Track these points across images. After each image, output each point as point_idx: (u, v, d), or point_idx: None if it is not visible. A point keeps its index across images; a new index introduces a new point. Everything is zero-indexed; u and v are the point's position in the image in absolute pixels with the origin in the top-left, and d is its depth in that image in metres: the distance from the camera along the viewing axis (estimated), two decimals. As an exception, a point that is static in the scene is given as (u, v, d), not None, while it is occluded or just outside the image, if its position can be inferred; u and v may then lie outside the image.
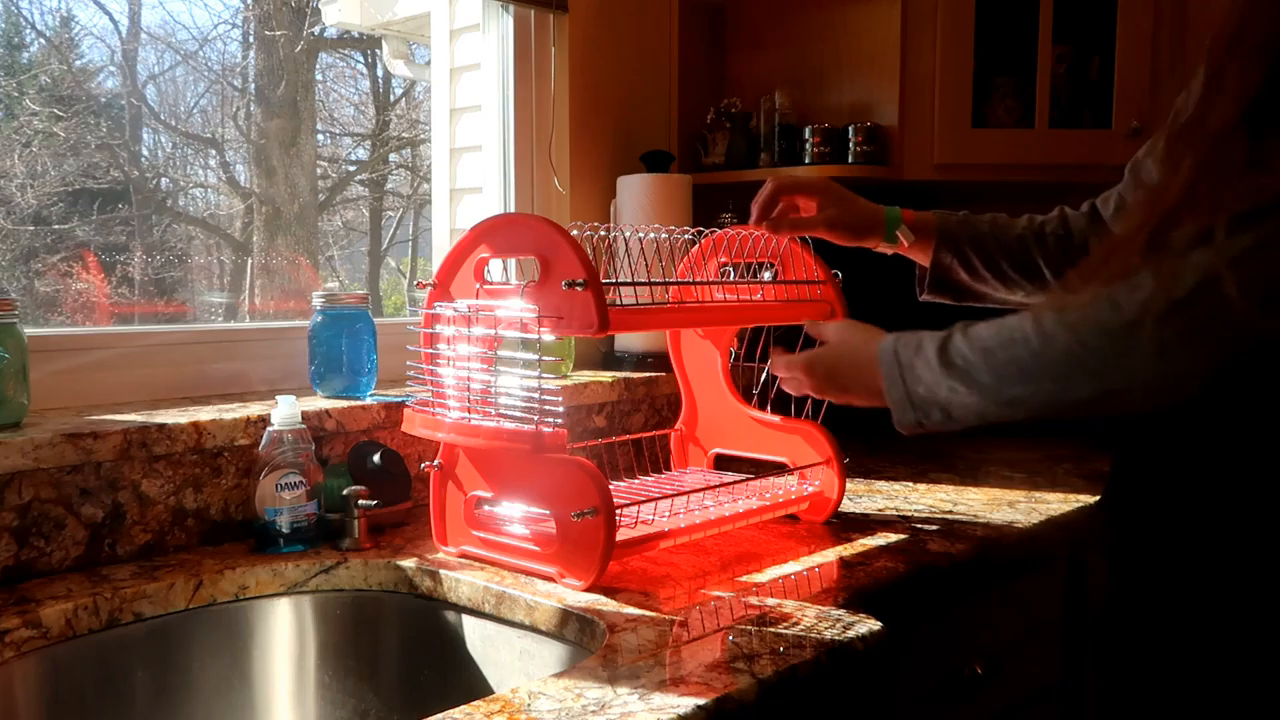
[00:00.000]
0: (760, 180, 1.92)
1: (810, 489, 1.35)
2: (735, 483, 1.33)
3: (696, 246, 1.37)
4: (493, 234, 1.15)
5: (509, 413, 1.13)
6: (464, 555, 1.19)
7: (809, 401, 1.36)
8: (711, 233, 1.33)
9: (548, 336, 1.09)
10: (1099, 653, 1.02)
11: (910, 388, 0.96)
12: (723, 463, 1.49)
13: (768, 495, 1.34)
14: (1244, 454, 0.88)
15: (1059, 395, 0.85)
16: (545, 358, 1.09)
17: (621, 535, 1.13)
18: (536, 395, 1.09)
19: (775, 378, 1.40)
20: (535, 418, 1.09)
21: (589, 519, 1.05)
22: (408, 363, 1.23)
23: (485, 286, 1.15)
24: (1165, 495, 0.94)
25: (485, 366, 1.15)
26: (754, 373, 1.43)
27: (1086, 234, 1.22)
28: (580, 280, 1.04)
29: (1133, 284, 0.79)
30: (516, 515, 1.18)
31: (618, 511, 1.08)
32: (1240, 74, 0.80)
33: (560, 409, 1.10)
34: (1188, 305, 0.76)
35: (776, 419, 1.39)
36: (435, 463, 1.21)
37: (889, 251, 1.30)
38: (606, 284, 1.19)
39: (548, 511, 1.12)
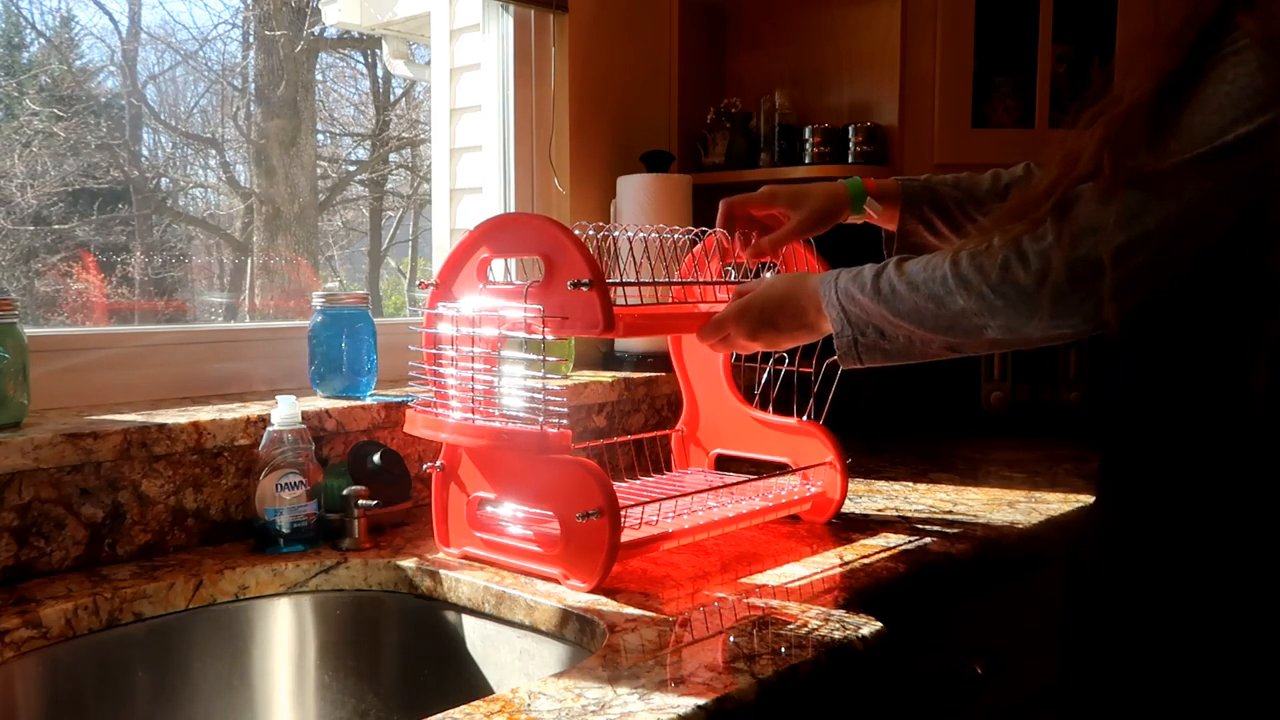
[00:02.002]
0: (760, 180, 1.93)
1: (813, 489, 1.35)
2: (738, 483, 1.33)
3: (700, 245, 1.37)
4: (496, 234, 1.15)
5: (513, 413, 1.13)
6: (466, 556, 1.19)
7: (811, 401, 1.36)
8: (714, 232, 1.33)
9: (552, 337, 1.09)
10: (1090, 652, 1.03)
11: (846, 307, 1.05)
12: (724, 463, 1.49)
13: (770, 496, 1.34)
14: (1232, 455, 0.88)
15: (970, 331, 0.96)
16: (549, 358, 1.09)
17: (624, 536, 1.12)
18: (541, 395, 1.09)
19: (777, 376, 1.41)
20: (540, 418, 1.09)
21: (593, 520, 1.05)
22: (410, 363, 1.23)
23: (488, 286, 1.15)
24: (1151, 495, 0.94)
25: (488, 367, 1.15)
26: (755, 373, 1.43)
27: None
28: (586, 280, 1.04)
29: (1037, 235, 0.90)
30: (520, 516, 1.18)
31: (622, 513, 1.08)
32: (1155, 56, 0.87)
33: (565, 409, 1.10)
34: (1081, 264, 0.87)
35: (778, 419, 1.39)
36: (437, 464, 1.21)
37: (859, 221, 1.32)
38: (610, 284, 1.19)
39: (551, 513, 1.12)
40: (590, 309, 1.05)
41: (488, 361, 1.15)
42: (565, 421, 1.09)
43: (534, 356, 1.10)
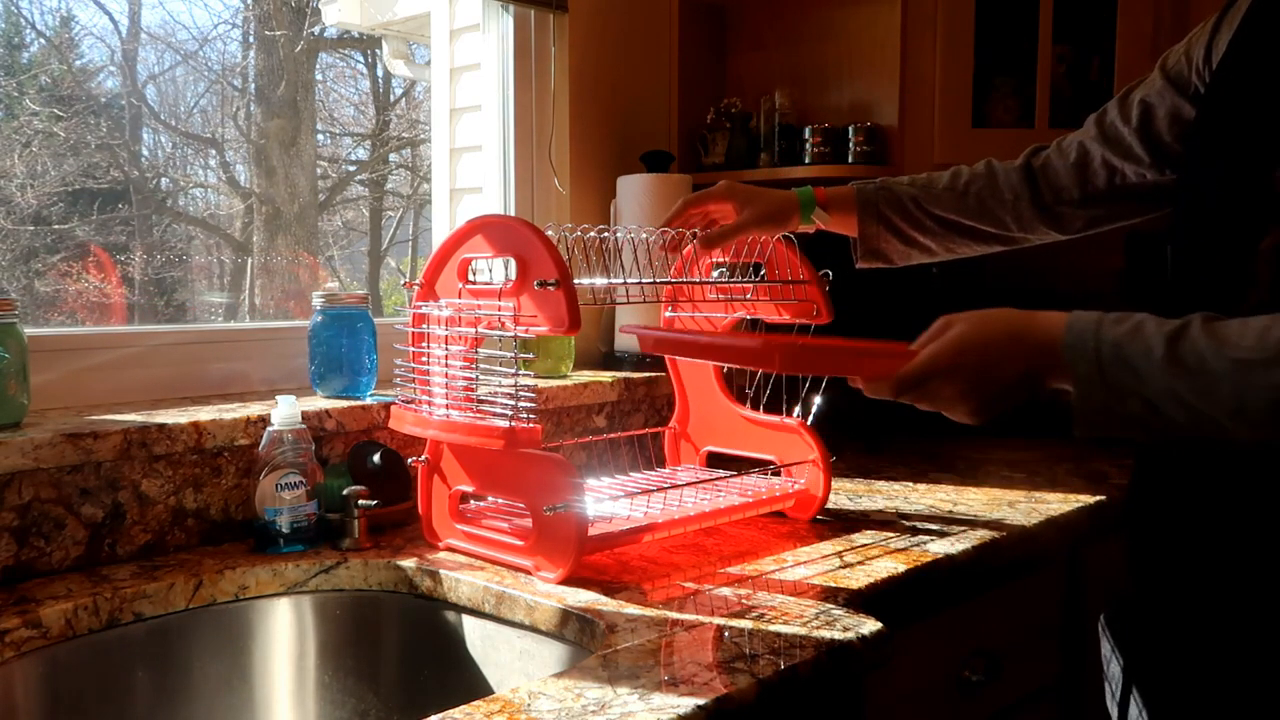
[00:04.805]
0: (760, 180, 1.93)
1: (796, 487, 1.36)
2: (718, 479, 1.36)
3: (684, 247, 1.38)
4: (474, 235, 1.17)
5: (487, 409, 1.15)
6: (449, 549, 1.22)
7: (799, 401, 1.37)
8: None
9: (524, 335, 1.11)
10: (1123, 645, 1.02)
11: (1108, 368, 0.80)
12: (716, 461, 1.49)
13: (750, 492, 1.35)
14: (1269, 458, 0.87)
15: None
16: (523, 355, 1.11)
17: (602, 529, 1.16)
18: (512, 392, 1.11)
19: (770, 378, 1.41)
20: (510, 414, 1.11)
21: (561, 513, 1.08)
22: (396, 360, 1.25)
23: (468, 286, 1.17)
24: (1191, 489, 0.94)
25: (466, 364, 1.17)
26: (749, 373, 1.43)
27: (1019, 189, 1.24)
28: (553, 280, 1.06)
29: None
30: (499, 510, 1.23)
31: (592, 505, 1.10)
32: None
33: (534, 405, 1.13)
34: None
35: (764, 418, 1.40)
36: (422, 458, 1.23)
37: (811, 231, 1.32)
38: (599, 283, 1.21)
39: (524, 505, 1.15)
40: (557, 308, 1.07)
41: (466, 360, 1.17)
42: (534, 417, 1.11)
43: (506, 354, 1.12)
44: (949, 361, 0.90)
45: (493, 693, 1.00)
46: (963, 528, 1.31)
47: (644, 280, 1.24)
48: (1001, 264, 1.50)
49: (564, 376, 1.67)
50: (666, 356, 1.51)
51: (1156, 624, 0.98)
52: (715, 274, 1.40)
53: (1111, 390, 0.80)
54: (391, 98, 5.18)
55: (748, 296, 1.38)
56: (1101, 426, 0.82)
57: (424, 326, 1.21)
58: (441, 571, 1.15)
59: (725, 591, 1.08)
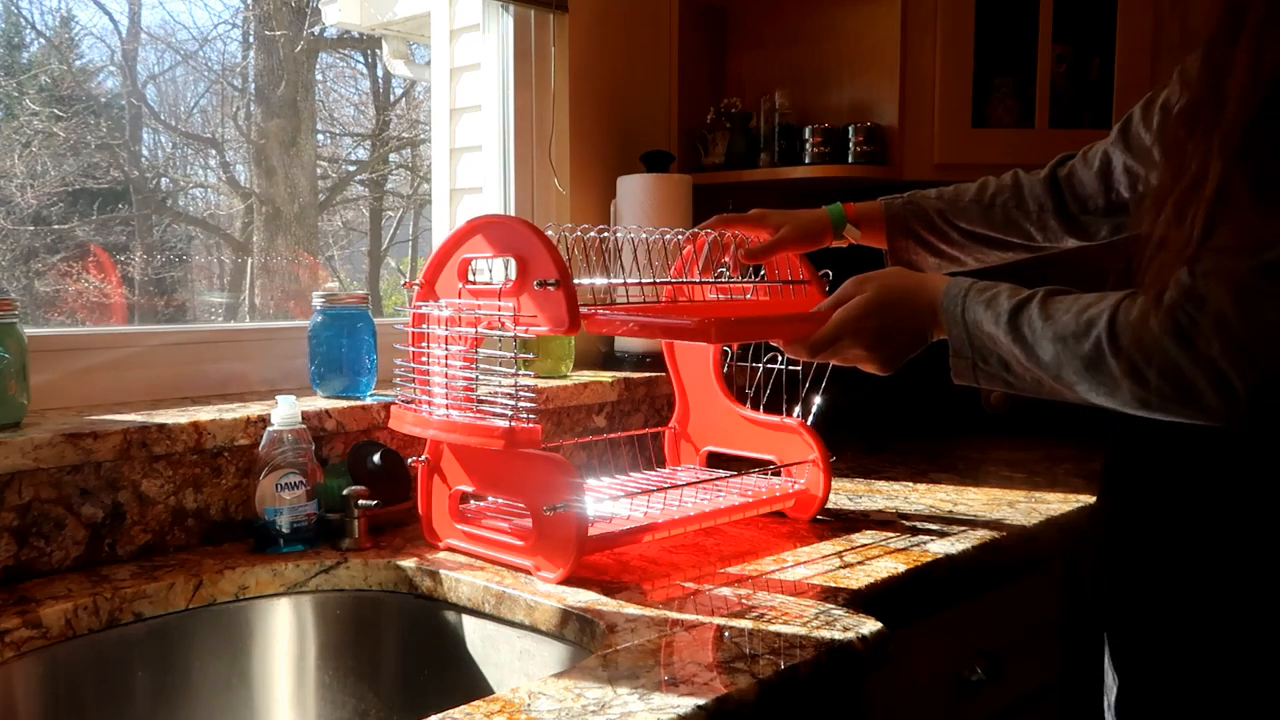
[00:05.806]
0: (760, 180, 1.94)
1: (796, 487, 1.36)
2: (718, 479, 1.36)
3: (689, 247, 1.38)
4: (475, 235, 1.17)
5: (487, 409, 1.15)
6: (449, 549, 1.22)
7: (799, 401, 1.37)
8: (708, 234, 1.33)
9: (523, 335, 1.11)
10: (1110, 650, 1.02)
11: (972, 332, 0.96)
12: (716, 461, 1.49)
13: (750, 492, 1.35)
14: (1238, 448, 0.88)
15: (1124, 402, 0.86)
16: (523, 355, 1.11)
17: (601, 529, 1.16)
18: (512, 392, 1.11)
19: (770, 375, 1.41)
20: (510, 414, 1.11)
21: (561, 513, 1.08)
22: (396, 360, 1.25)
23: (468, 286, 1.17)
24: (1157, 490, 0.94)
25: (466, 364, 1.18)
26: (749, 373, 1.43)
27: (1044, 200, 1.26)
28: (553, 280, 1.07)
29: (1194, 304, 0.77)
30: (499, 510, 1.23)
31: (592, 505, 1.10)
32: (1257, 51, 0.76)
33: (534, 405, 1.13)
34: (1254, 339, 0.76)
35: (764, 418, 1.40)
36: (422, 458, 1.23)
37: (843, 244, 1.36)
38: (599, 283, 1.21)
39: (524, 505, 1.15)
40: (557, 308, 1.07)
41: (466, 360, 1.17)
42: (535, 417, 1.11)
43: (506, 354, 1.12)
44: (855, 325, 1.07)
45: (493, 693, 1.00)
46: (963, 528, 1.31)
47: (644, 280, 1.24)
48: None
49: (564, 376, 1.67)
50: (666, 356, 1.51)
51: (1137, 631, 0.98)
52: (715, 274, 1.40)
53: (975, 349, 0.96)
54: (391, 98, 5.18)
55: (748, 296, 1.38)
56: (971, 378, 0.98)
57: (424, 326, 1.21)
58: (441, 571, 1.15)
59: (725, 591, 1.08)
